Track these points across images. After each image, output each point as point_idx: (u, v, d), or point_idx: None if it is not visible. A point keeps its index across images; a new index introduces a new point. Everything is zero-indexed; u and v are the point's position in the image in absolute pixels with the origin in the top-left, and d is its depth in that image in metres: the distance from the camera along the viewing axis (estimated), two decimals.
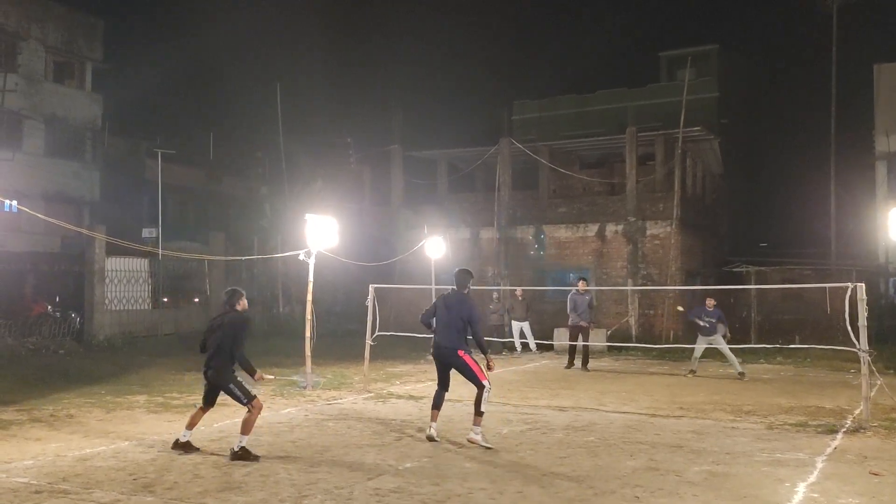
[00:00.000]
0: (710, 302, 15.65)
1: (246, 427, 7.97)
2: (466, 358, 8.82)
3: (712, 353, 18.09)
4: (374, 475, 7.40)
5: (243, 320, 8.41)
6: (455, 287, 9.13)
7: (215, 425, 9.92)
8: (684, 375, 15.49)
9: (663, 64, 38.51)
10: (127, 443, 8.82)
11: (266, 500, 6.55)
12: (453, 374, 9.09)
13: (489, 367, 8.80)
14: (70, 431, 9.47)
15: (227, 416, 10.54)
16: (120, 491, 6.79)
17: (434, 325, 9.12)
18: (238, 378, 8.19)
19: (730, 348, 15.52)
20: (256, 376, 8.21)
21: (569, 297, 17.37)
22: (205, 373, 8.38)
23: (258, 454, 8.00)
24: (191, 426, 8.41)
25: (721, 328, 15.41)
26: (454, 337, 8.84)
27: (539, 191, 27.22)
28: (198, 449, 8.29)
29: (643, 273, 24.22)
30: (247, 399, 8.05)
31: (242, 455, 7.86)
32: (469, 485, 7.04)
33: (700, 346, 15.70)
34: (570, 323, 17.29)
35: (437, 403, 9.08)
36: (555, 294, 24.05)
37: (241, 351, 8.18)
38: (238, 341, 8.16)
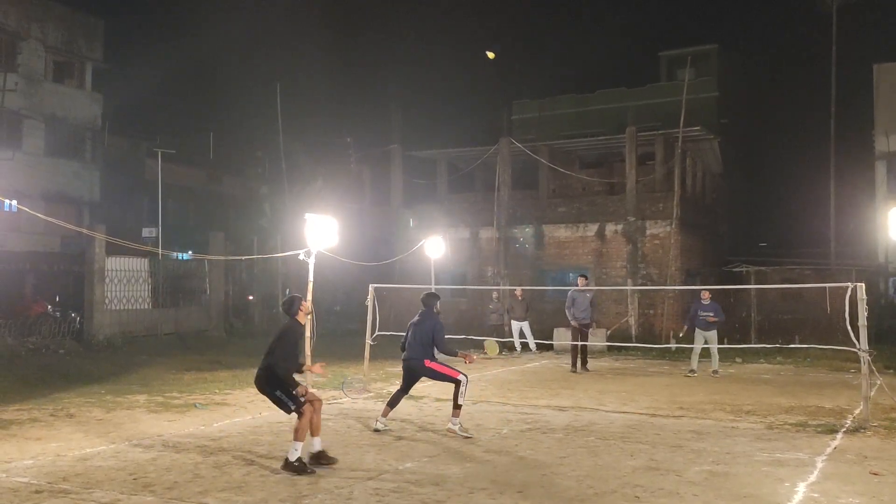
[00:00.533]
0: (706, 295, 15.51)
1: (298, 434, 7.54)
2: (433, 365, 9.54)
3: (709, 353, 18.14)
4: (374, 475, 7.41)
5: (286, 329, 8.09)
6: (423, 308, 9.89)
7: (215, 425, 9.93)
8: (685, 376, 15.41)
9: (663, 64, 38.51)
10: (127, 442, 8.83)
11: (266, 500, 6.56)
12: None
13: (468, 361, 9.65)
14: (70, 431, 9.47)
15: (226, 416, 10.55)
16: (120, 491, 6.80)
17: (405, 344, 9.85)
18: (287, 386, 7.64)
19: (730, 347, 15.55)
20: (299, 390, 7.66)
21: (569, 294, 16.99)
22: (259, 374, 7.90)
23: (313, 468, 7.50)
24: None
25: (716, 320, 15.37)
26: (419, 350, 9.56)
27: (539, 190, 27.22)
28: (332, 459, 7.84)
29: (643, 273, 24.22)
30: (294, 405, 7.60)
31: (297, 468, 7.39)
32: (469, 485, 7.05)
33: (698, 342, 15.57)
34: (570, 322, 16.82)
35: (394, 402, 9.77)
36: (554, 294, 24.06)
37: (285, 363, 7.70)
38: (283, 350, 7.77)
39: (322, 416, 10.81)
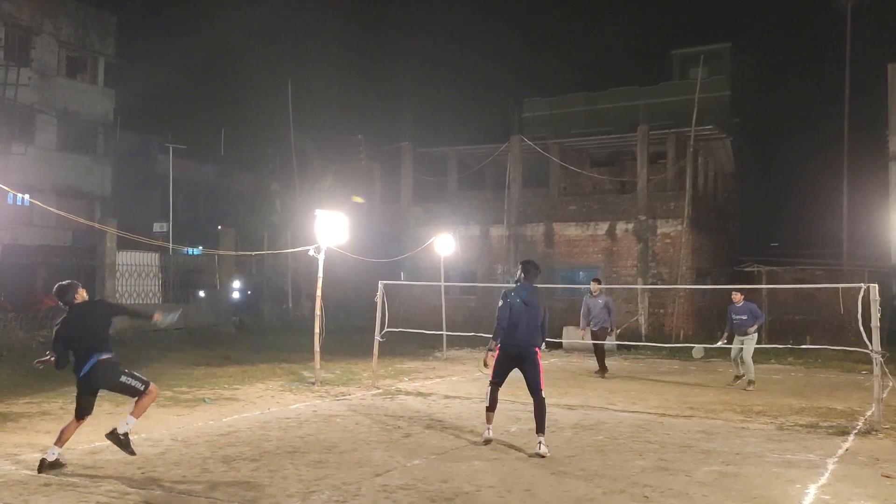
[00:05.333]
0: (738, 297, 13.97)
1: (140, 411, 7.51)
2: (540, 359, 8.33)
3: (723, 352, 18.01)
4: (383, 471, 7.39)
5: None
6: (521, 278, 8.47)
7: (224, 420, 9.94)
8: (730, 385, 13.94)
9: (675, 62, 38.38)
10: (136, 437, 8.82)
11: (274, 496, 6.55)
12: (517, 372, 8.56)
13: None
14: None
15: (234, 412, 10.56)
16: (129, 484, 6.81)
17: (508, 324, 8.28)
18: None
19: (741, 348, 14.75)
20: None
21: (584, 300, 15.92)
22: None
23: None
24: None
25: (753, 323, 13.64)
26: (533, 335, 8.25)
27: (549, 188, 27.17)
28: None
29: (653, 272, 24.14)
30: (143, 385, 7.42)
31: (124, 442, 7.35)
32: (478, 482, 7.02)
33: (735, 346, 13.82)
34: (587, 327, 15.66)
35: (494, 404, 8.66)
36: (564, 292, 24.01)
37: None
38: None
39: (330, 411, 10.87)
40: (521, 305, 8.22)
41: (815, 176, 35.79)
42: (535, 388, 8.26)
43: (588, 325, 15.58)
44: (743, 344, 13.70)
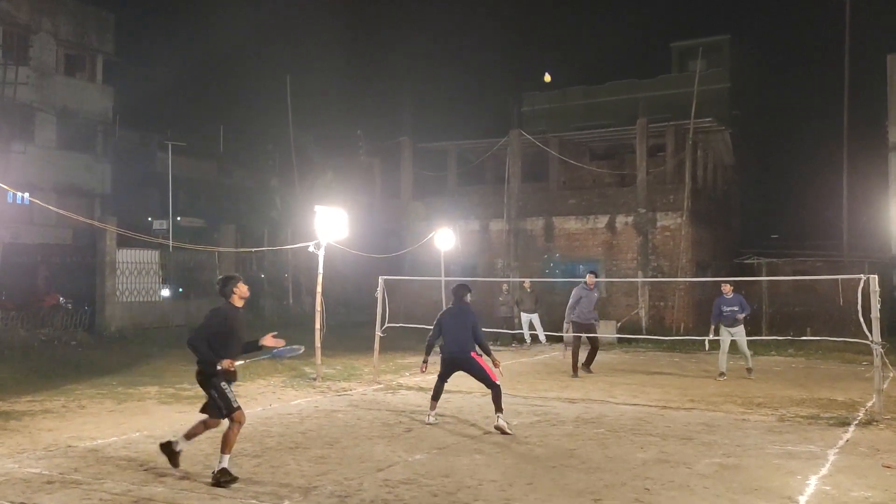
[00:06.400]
0: (727, 288, 14.01)
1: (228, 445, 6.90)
2: (480, 359, 9.54)
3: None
4: (384, 466, 7.41)
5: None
6: (455, 300, 9.91)
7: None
8: (715, 380, 13.82)
9: (674, 55, 38.34)
10: (138, 433, 8.87)
11: (276, 491, 6.57)
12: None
13: (497, 365, 9.56)
14: (82, 422, 9.52)
15: None
16: (131, 482, 6.83)
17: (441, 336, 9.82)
18: None
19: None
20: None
21: (574, 290, 14.90)
22: None
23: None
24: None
25: (743, 313, 13.84)
26: (464, 343, 9.54)
27: (549, 182, 27.15)
28: None
29: (653, 265, 24.14)
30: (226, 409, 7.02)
31: (224, 480, 6.71)
32: (479, 476, 7.04)
33: (724, 340, 13.91)
34: (569, 320, 14.84)
35: (438, 394, 9.89)
36: (564, 286, 24.00)
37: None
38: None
39: (332, 407, 10.89)
40: (449, 321, 9.71)
41: (815, 167, 35.83)
42: (486, 382, 9.41)
43: (579, 317, 14.58)
44: (733, 335, 13.89)
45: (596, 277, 15.44)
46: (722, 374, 13.90)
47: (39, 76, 28.08)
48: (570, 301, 14.75)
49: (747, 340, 14.14)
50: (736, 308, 13.84)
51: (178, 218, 31.02)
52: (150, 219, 29.04)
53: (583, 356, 14.77)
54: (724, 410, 10.61)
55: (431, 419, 9.63)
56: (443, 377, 9.84)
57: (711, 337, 14.51)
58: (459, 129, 32.08)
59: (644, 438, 8.72)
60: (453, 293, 10.00)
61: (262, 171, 30.53)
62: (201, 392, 7.20)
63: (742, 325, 13.99)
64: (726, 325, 13.95)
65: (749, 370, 13.96)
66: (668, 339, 18.61)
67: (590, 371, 14.66)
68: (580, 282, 15.14)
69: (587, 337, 14.73)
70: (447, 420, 9.76)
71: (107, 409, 10.52)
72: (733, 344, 13.98)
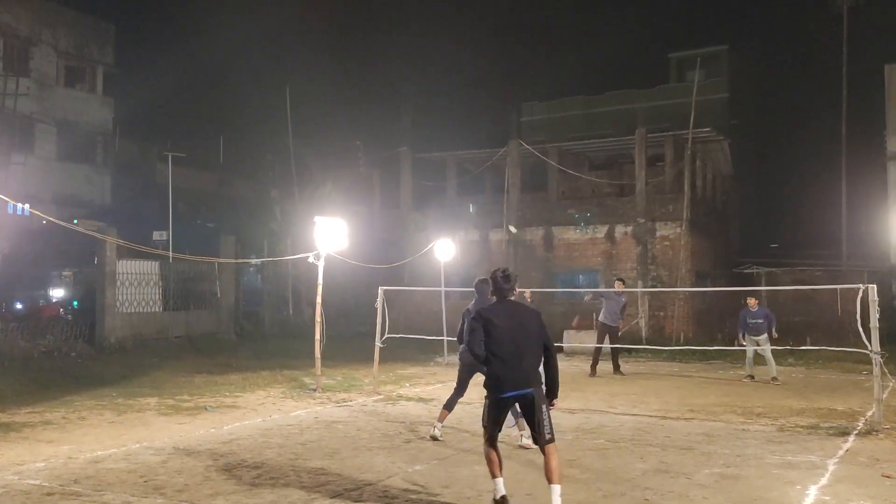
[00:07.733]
0: (752, 301, 14.96)
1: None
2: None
3: (724, 354, 18.04)
4: (384, 477, 7.41)
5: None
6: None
7: (225, 428, 9.96)
8: (742, 381, 14.85)
9: (673, 65, 38.43)
10: (138, 445, 8.86)
11: (276, 502, 6.57)
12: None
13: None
14: (81, 434, 9.51)
15: (236, 419, 10.58)
16: (131, 493, 6.83)
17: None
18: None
19: (741, 349, 15.24)
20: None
21: (607, 293, 17.11)
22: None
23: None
24: None
25: (767, 327, 14.76)
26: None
27: (548, 192, 27.19)
28: None
29: (653, 275, 24.15)
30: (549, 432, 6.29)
31: None
32: (478, 487, 7.04)
33: (750, 349, 14.93)
34: (602, 321, 16.39)
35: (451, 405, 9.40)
36: (564, 296, 24.02)
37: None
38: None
39: (332, 418, 10.90)
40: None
41: (814, 177, 35.88)
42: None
43: (605, 317, 16.30)
44: (758, 345, 14.88)
45: (623, 283, 17.22)
46: (750, 376, 14.99)
47: (40, 87, 28.17)
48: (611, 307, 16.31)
49: (747, 349, 14.98)
50: (761, 320, 14.78)
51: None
52: (152, 232, 29.04)
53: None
54: (723, 420, 10.61)
55: (437, 431, 9.12)
56: (461, 389, 9.11)
57: (737, 344, 15.46)
58: (458, 140, 32.08)
59: (644, 449, 8.72)
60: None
61: (261, 181, 30.55)
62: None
63: (766, 335, 14.86)
64: (752, 335, 14.95)
65: (774, 378, 14.68)
66: (668, 349, 18.60)
67: (621, 373, 16.06)
68: (577, 290, 16.40)
69: (609, 338, 16.23)
70: (447, 430, 9.75)
71: (107, 420, 10.51)
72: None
